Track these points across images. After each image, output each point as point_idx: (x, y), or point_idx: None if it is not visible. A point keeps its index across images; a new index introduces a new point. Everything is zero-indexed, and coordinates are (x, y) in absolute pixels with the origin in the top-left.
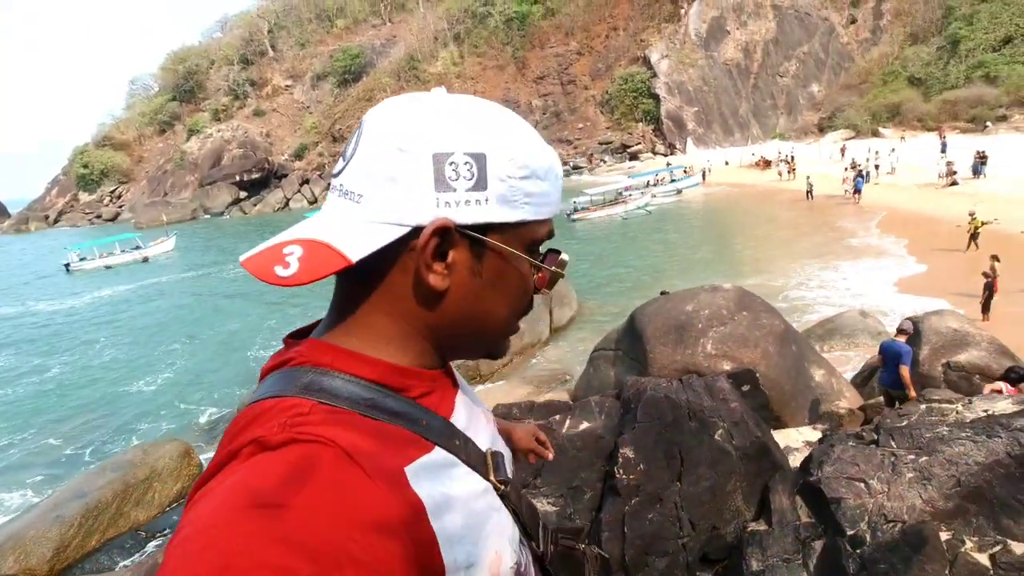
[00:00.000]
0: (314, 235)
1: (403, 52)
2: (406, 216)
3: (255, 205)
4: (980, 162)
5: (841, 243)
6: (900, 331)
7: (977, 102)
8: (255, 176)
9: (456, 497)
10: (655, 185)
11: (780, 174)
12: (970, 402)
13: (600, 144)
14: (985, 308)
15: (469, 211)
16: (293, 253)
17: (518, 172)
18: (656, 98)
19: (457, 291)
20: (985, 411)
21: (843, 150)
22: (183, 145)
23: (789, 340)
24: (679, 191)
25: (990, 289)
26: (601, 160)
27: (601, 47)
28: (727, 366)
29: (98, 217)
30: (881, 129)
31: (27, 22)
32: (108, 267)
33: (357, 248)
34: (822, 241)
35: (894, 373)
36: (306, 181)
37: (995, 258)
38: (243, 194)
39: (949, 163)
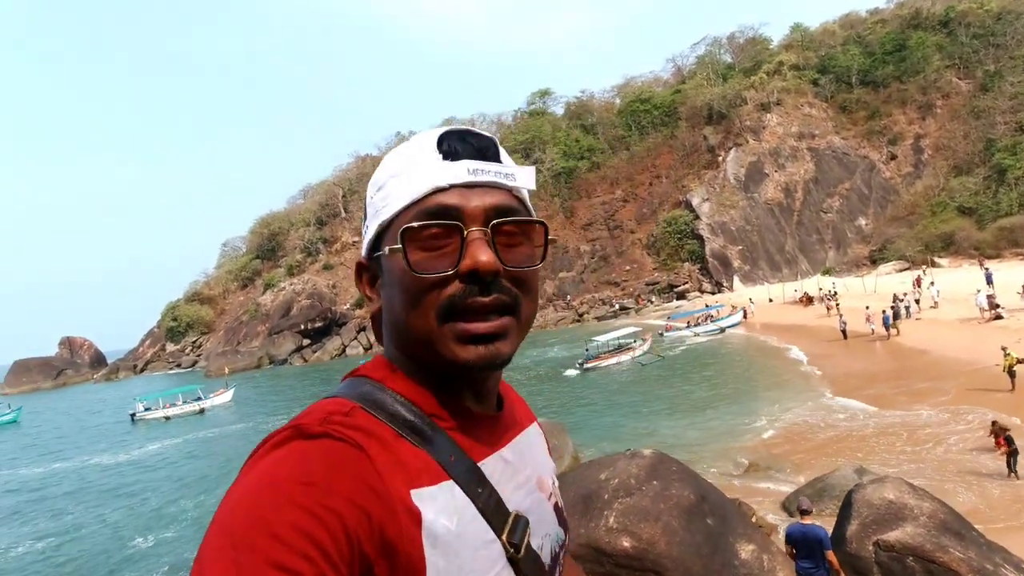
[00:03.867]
0: None
1: None
2: None
3: (315, 352)
4: None
5: (867, 390)
6: (803, 512)
7: None
8: (318, 324)
9: (456, 536)
10: (696, 325)
11: (828, 309)
12: None
13: (647, 285)
14: (1010, 466)
15: (365, 243)
16: None
17: (374, 190)
18: (700, 239)
19: (383, 305)
20: None
21: (918, 280)
22: (259, 298)
23: (702, 513)
24: (722, 330)
25: (1008, 442)
26: (648, 300)
27: (645, 194)
28: (627, 542)
29: (178, 366)
30: (936, 259)
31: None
32: (167, 418)
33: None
34: (853, 384)
35: (818, 562)
36: (363, 328)
37: (994, 423)
38: (306, 342)
39: (990, 296)
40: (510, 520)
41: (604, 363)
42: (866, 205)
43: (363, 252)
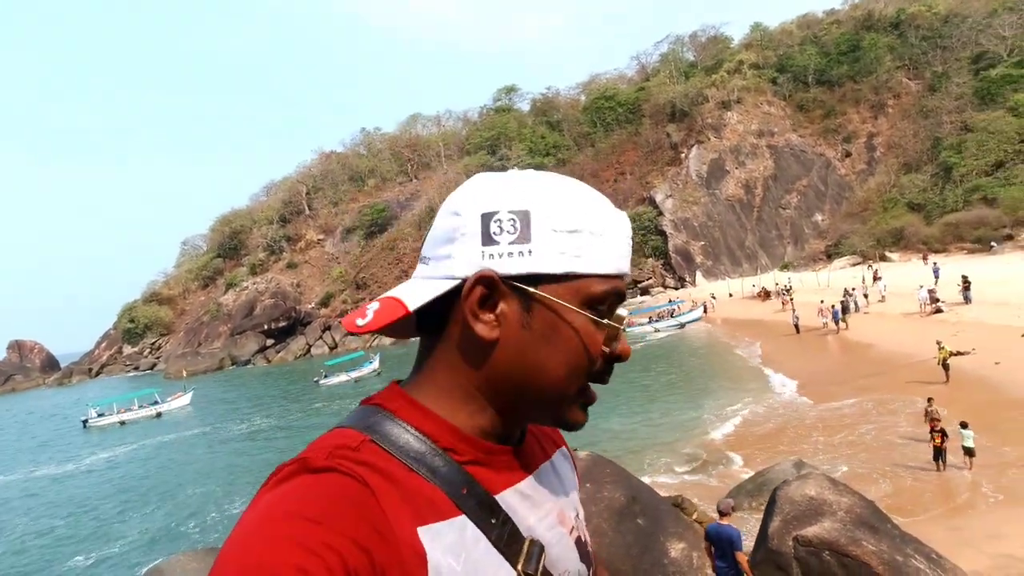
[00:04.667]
0: (391, 293)
1: (424, 205)
2: (457, 270)
3: (278, 352)
4: (965, 288)
5: (815, 383)
6: (722, 513)
7: (979, 223)
8: (282, 324)
9: (461, 572)
10: (657, 320)
11: (783, 304)
12: None
13: None
14: (937, 457)
15: (512, 262)
16: (371, 307)
17: (565, 226)
18: (663, 235)
19: (507, 343)
20: None
21: (876, 275)
22: (221, 297)
23: (632, 514)
24: (682, 325)
25: (942, 435)
26: None
27: (610, 190)
28: None
29: (136, 368)
30: (888, 253)
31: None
32: (123, 423)
33: (415, 300)
34: (802, 379)
35: (731, 561)
36: (328, 327)
37: (930, 401)
38: (269, 342)
39: (931, 291)
40: (525, 547)
41: None
42: (823, 201)
43: (497, 269)
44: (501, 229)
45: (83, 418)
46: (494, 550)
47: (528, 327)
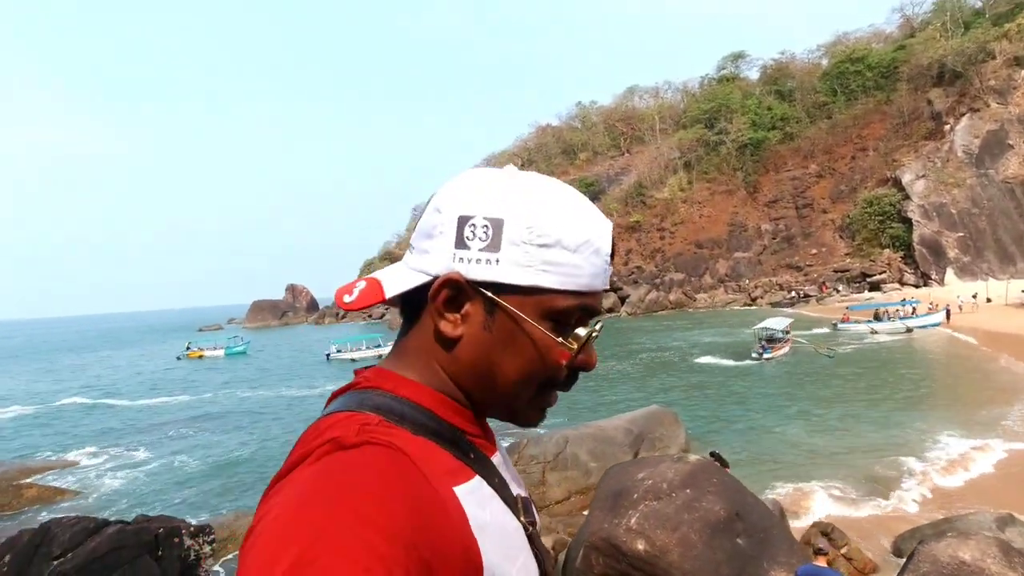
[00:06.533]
0: (376, 275)
1: (633, 179)
2: (430, 267)
3: None
4: None
5: None
6: (818, 552)
7: None
8: None
9: (494, 524)
10: (878, 320)
11: None
12: None
13: (835, 272)
14: None
15: (479, 268)
16: (358, 287)
17: (536, 239)
18: (908, 222)
19: (469, 341)
20: None
21: None
22: None
23: (732, 531)
24: (909, 329)
25: None
26: (834, 289)
27: (845, 168)
28: (641, 546)
29: (370, 316)
30: None
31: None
32: (353, 360)
33: (393, 289)
34: None
35: None
36: None
37: None
38: None
39: None
40: (520, 503)
41: (776, 353)
42: None
43: (464, 273)
44: (474, 235)
45: (327, 352)
46: (505, 506)
47: (489, 329)
